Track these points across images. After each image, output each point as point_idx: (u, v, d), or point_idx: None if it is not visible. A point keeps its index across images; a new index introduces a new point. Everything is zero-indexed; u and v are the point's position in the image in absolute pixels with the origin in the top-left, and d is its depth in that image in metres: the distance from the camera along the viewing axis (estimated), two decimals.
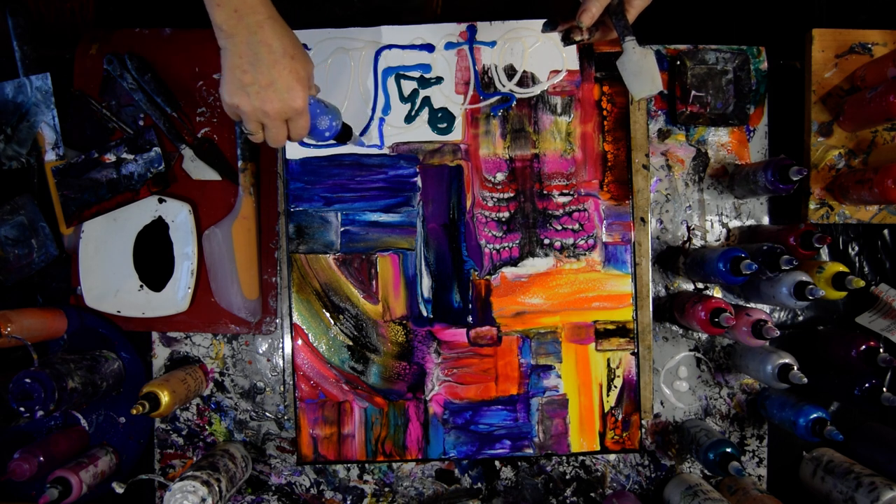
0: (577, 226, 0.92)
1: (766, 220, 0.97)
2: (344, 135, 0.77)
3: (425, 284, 0.92)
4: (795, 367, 0.83)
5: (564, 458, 0.96)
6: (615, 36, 0.72)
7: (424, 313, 0.92)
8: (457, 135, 0.92)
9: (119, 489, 0.87)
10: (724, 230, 0.97)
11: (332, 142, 0.77)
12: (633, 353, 0.92)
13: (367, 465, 0.97)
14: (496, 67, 0.92)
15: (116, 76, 0.93)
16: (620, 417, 0.92)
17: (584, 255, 0.92)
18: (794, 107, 0.96)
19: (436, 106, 0.92)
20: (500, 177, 0.92)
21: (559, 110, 0.92)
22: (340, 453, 0.92)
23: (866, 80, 0.91)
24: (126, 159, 0.90)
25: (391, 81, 0.92)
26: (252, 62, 0.63)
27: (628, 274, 0.91)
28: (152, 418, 0.94)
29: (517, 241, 0.92)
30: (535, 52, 0.91)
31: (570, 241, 0.92)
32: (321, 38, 0.91)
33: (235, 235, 0.91)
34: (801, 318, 0.98)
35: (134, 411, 0.79)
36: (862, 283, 0.81)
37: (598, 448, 0.92)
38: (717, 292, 0.96)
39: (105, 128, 0.94)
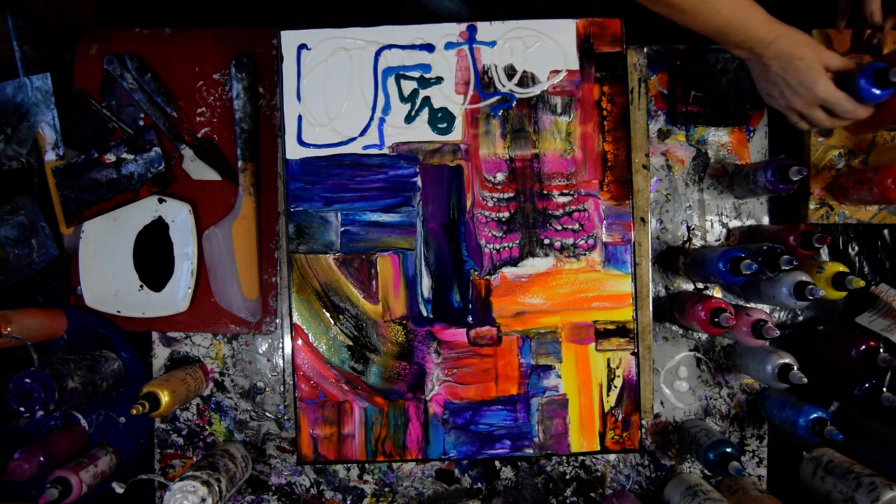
0: (577, 226, 0.92)
1: (766, 220, 0.97)
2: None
3: (425, 284, 0.92)
4: (795, 367, 0.83)
5: (564, 458, 0.96)
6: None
7: (424, 313, 0.92)
8: (457, 135, 0.92)
9: (119, 489, 0.87)
10: (724, 230, 0.97)
11: None
12: (633, 353, 0.91)
13: (367, 465, 0.97)
14: (496, 67, 0.92)
15: (116, 76, 0.93)
16: (620, 417, 0.92)
17: (584, 255, 0.92)
18: None
19: (436, 106, 0.92)
20: (500, 177, 0.92)
21: (559, 110, 0.92)
22: (340, 453, 0.92)
23: None
24: (126, 159, 0.90)
25: (391, 81, 0.92)
26: None
27: (628, 274, 0.91)
28: (152, 418, 0.94)
29: (517, 241, 0.92)
30: (535, 52, 0.91)
31: (570, 241, 0.92)
32: (321, 38, 0.91)
33: (235, 235, 0.91)
34: (801, 318, 0.98)
35: (134, 411, 0.79)
36: (862, 283, 0.81)
37: (598, 448, 0.92)
38: (717, 292, 0.96)
39: (105, 128, 0.94)
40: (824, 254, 0.97)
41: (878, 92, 0.75)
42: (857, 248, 0.97)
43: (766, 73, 0.77)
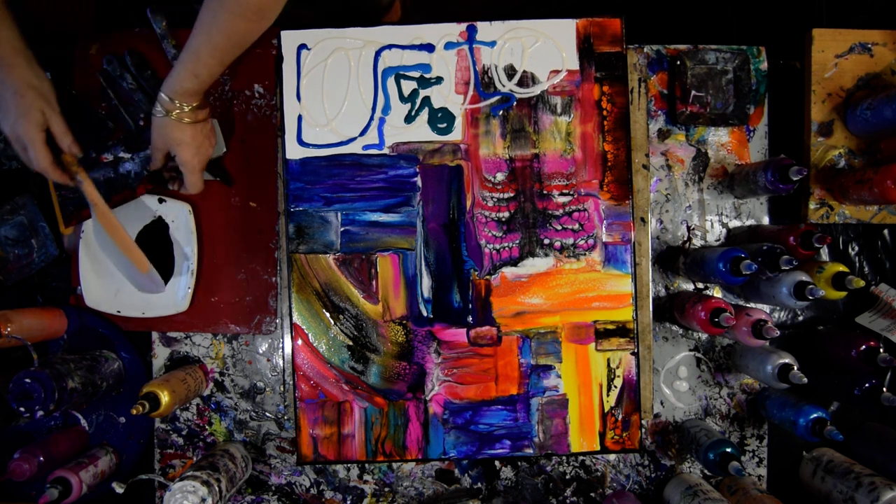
0: (577, 226, 0.92)
1: (766, 220, 0.97)
2: None
3: (425, 284, 0.92)
4: (795, 367, 0.83)
5: (564, 458, 0.96)
6: None
7: (424, 313, 0.92)
8: (457, 135, 0.92)
9: (119, 489, 0.87)
10: (724, 230, 0.97)
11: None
12: (633, 353, 0.92)
13: (367, 465, 0.97)
14: (496, 67, 0.92)
15: (116, 76, 0.93)
16: (620, 417, 0.92)
17: (584, 255, 0.92)
18: (794, 107, 0.96)
19: (436, 106, 0.92)
20: (500, 177, 0.92)
21: (559, 110, 0.92)
22: (340, 453, 0.92)
23: None
24: (123, 158, 0.90)
25: (391, 81, 0.92)
26: None
27: (628, 274, 0.91)
28: (152, 418, 0.94)
29: (517, 241, 0.92)
30: (535, 52, 0.91)
31: (570, 241, 0.92)
32: (321, 38, 0.91)
33: (103, 224, 0.88)
34: (801, 318, 0.98)
35: (134, 411, 0.79)
36: (862, 283, 0.81)
37: (598, 448, 0.92)
38: (717, 292, 0.96)
39: (105, 128, 0.94)
40: (824, 254, 0.97)
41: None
42: (857, 248, 0.97)
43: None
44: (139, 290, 0.92)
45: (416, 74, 0.92)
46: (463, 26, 0.91)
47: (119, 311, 0.93)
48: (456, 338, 0.92)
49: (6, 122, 0.79)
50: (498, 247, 0.92)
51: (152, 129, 0.81)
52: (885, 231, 0.97)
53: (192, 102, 0.79)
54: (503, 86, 0.92)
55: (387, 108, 0.92)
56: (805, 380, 0.81)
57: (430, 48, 0.91)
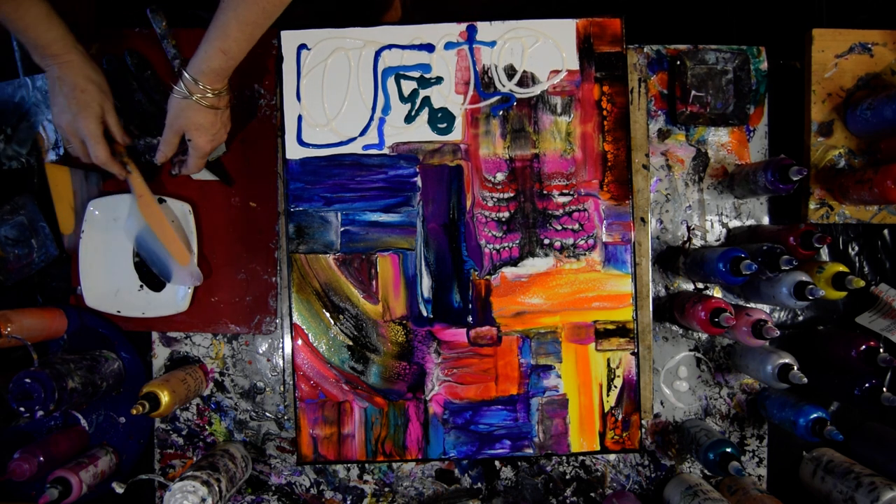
0: (576, 226, 0.92)
1: (766, 220, 0.97)
2: None
3: (425, 284, 0.92)
4: (795, 367, 0.83)
5: (564, 458, 0.96)
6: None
7: (424, 313, 0.92)
8: (457, 135, 0.92)
9: (119, 489, 0.87)
10: (724, 230, 0.97)
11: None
12: (633, 353, 0.92)
13: (367, 465, 0.97)
14: (496, 67, 0.92)
15: (116, 76, 0.92)
16: (620, 417, 0.92)
17: (584, 255, 0.92)
18: (794, 107, 0.96)
19: (436, 106, 0.92)
20: (500, 177, 0.92)
21: (559, 110, 0.92)
22: (340, 453, 0.92)
23: None
24: (132, 132, 0.89)
25: (391, 81, 0.92)
26: None
27: (628, 274, 0.91)
28: (152, 418, 0.94)
29: (517, 241, 0.92)
30: (535, 52, 0.91)
31: (570, 241, 0.92)
32: (320, 38, 0.91)
33: (146, 217, 0.89)
34: (801, 318, 0.98)
35: (134, 411, 0.79)
36: (862, 283, 0.81)
37: (598, 448, 0.92)
38: (717, 292, 0.96)
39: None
40: (824, 254, 0.97)
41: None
42: (857, 248, 0.97)
43: (54, 87, 0.80)
44: (171, 283, 0.93)
45: (416, 74, 0.92)
46: (463, 26, 0.91)
47: (119, 311, 0.93)
48: (456, 338, 0.92)
49: (64, 116, 0.80)
50: (498, 247, 0.92)
51: (169, 110, 0.80)
52: (885, 231, 0.97)
53: (216, 86, 0.78)
54: (503, 86, 0.92)
55: (387, 108, 0.92)
56: (805, 380, 0.81)
57: (430, 48, 0.91)
